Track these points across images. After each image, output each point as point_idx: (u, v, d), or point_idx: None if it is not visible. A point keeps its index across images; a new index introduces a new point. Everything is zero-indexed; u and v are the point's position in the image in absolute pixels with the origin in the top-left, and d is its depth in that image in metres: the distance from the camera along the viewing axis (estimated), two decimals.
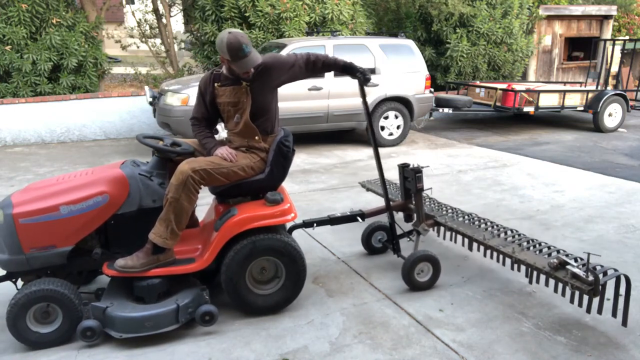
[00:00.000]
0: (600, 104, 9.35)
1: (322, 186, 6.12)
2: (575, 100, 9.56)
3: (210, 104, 3.31)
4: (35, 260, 2.96)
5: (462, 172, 6.72)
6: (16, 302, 2.83)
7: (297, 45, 7.70)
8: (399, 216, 4.26)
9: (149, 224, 3.03)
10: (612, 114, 9.57)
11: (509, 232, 3.67)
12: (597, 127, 9.55)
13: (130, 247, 3.09)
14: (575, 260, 3.13)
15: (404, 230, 4.07)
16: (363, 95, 3.61)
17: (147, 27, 12.32)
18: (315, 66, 3.34)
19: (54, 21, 8.74)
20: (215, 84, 3.25)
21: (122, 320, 2.89)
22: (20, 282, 3.13)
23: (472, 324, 3.18)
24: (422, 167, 3.87)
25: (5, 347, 2.94)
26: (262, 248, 3.11)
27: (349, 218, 3.98)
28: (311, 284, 3.67)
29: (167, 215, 3.00)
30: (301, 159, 7.43)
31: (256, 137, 3.26)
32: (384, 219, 4.11)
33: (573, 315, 3.26)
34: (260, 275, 3.25)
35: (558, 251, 3.32)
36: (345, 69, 3.42)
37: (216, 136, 3.49)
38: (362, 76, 3.40)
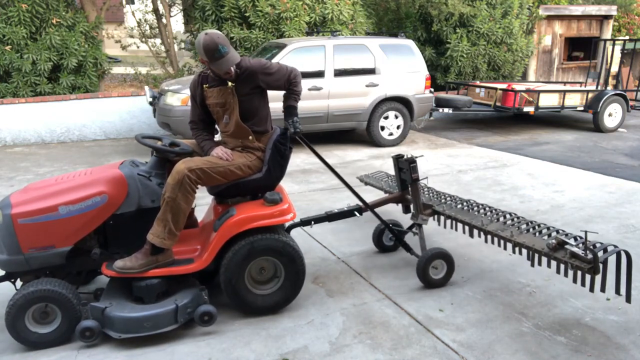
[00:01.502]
0: (600, 104, 9.35)
1: (322, 186, 6.11)
2: (575, 100, 9.55)
3: (201, 105, 3.31)
4: (34, 260, 2.96)
5: (462, 172, 6.71)
6: (14, 303, 2.83)
7: (297, 45, 7.70)
8: (397, 208, 4.25)
9: (148, 224, 3.03)
10: (612, 114, 9.57)
11: (507, 216, 3.63)
12: (597, 127, 9.54)
13: (129, 247, 3.08)
14: (575, 240, 3.09)
15: (402, 228, 4.07)
16: (307, 145, 3.48)
17: (147, 27, 12.32)
18: (289, 84, 3.26)
19: (54, 21, 8.74)
20: (204, 86, 3.25)
21: (121, 320, 2.89)
22: (19, 283, 3.12)
23: (472, 324, 3.17)
24: (416, 157, 3.86)
25: (5, 347, 2.94)
26: (260, 248, 3.11)
27: (347, 213, 3.94)
28: (311, 284, 3.66)
29: (164, 216, 2.99)
30: (301, 159, 7.43)
31: (250, 137, 3.25)
32: (391, 215, 4.10)
33: (573, 315, 3.26)
34: (260, 276, 3.24)
35: (557, 231, 3.27)
36: (287, 109, 3.31)
37: (216, 136, 3.48)
38: (292, 125, 3.26)
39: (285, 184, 6.06)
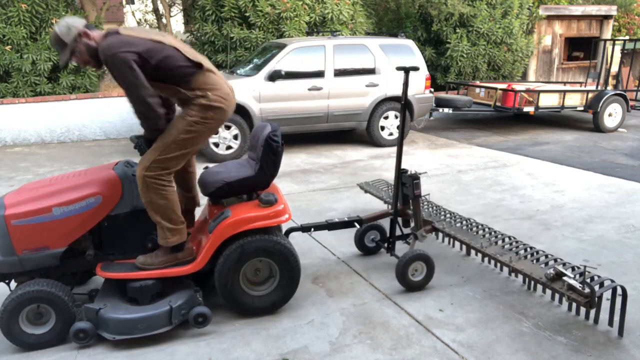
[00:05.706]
0: (600, 104, 9.33)
1: (322, 186, 6.10)
2: (575, 100, 9.53)
3: None
4: (28, 261, 2.93)
5: (462, 172, 6.70)
6: (7, 305, 2.81)
7: (297, 45, 7.69)
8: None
9: (142, 224, 3.01)
10: (612, 114, 9.55)
11: (506, 240, 3.66)
12: (597, 127, 9.53)
13: (124, 248, 3.07)
14: (573, 270, 3.12)
15: (403, 232, 4.06)
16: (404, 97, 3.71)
17: (147, 27, 12.32)
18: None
19: (53, 21, 8.73)
20: None
21: (115, 321, 2.87)
22: (13, 284, 3.11)
23: (472, 324, 3.16)
24: (420, 174, 3.85)
25: (5, 348, 2.92)
26: (251, 250, 3.07)
27: (347, 224, 3.97)
28: (311, 284, 3.65)
29: (154, 219, 2.98)
30: (301, 159, 7.42)
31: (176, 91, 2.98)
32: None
33: (573, 315, 3.24)
34: (255, 277, 3.22)
35: (555, 260, 3.31)
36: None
37: None
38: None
39: (285, 184, 6.07)
